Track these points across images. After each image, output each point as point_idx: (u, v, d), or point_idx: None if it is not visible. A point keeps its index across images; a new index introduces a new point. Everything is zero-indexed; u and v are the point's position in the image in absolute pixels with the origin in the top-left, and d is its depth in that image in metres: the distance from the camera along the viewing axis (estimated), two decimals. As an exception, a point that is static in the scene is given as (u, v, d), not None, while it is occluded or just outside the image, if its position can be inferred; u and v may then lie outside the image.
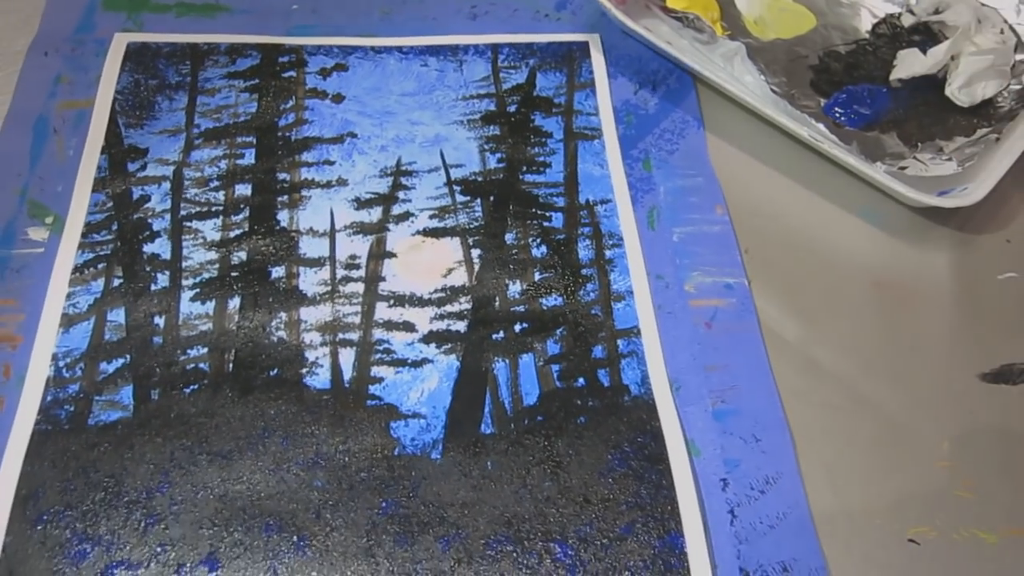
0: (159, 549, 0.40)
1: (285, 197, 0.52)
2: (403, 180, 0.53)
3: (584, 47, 0.60)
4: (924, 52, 0.56)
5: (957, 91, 0.55)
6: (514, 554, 0.41)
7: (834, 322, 0.49)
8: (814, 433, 0.45)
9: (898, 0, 0.62)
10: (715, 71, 0.57)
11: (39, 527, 0.40)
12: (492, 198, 0.53)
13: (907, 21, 0.59)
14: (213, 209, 0.51)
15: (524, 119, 0.56)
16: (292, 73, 0.57)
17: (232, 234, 0.50)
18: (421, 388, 0.46)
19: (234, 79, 0.57)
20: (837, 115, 0.56)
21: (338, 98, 0.56)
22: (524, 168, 0.54)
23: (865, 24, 0.62)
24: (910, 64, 0.56)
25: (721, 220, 0.52)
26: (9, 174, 0.51)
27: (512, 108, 0.57)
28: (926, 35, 0.58)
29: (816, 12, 0.62)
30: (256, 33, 0.59)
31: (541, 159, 0.54)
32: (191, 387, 0.45)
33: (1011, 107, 0.55)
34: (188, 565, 0.40)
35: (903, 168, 0.53)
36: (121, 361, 0.45)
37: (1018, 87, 0.56)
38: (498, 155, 0.54)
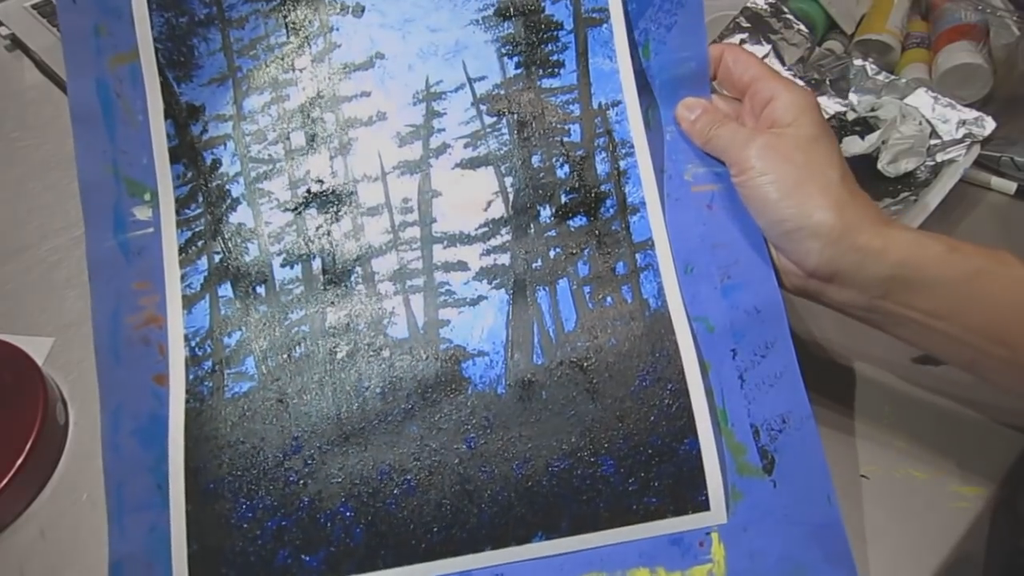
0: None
1: (336, 142, 0.41)
2: (434, 105, 0.41)
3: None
4: (862, 138, 0.55)
5: (886, 166, 0.55)
6: (573, 468, 0.38)
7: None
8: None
9: (844, 102, 0.59)
10: None
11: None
12: (515, 116, 0.41)
13: (850, 116, 0.58)
14: (277, 167, 0.41)
15: (535, 8, 0.42)
16: (311, -12, 0.42)
17: (300, 194, 0.41)
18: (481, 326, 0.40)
19: (257, 1, 0.42)
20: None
21: (358, 10, 0.42)
22: (540, 72, 0.42)
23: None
24: (852, 147, 0.55)
25: None
26: (97, 150, 0.41)
27: (522, -1, 0.42)
28: (864, 126, 0.57)
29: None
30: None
31: (555, 57, 0.42)
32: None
33: (926, 177, 0.55)
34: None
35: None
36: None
37: (931, 163, 0.55)
38: (515, 59, 0.42)
